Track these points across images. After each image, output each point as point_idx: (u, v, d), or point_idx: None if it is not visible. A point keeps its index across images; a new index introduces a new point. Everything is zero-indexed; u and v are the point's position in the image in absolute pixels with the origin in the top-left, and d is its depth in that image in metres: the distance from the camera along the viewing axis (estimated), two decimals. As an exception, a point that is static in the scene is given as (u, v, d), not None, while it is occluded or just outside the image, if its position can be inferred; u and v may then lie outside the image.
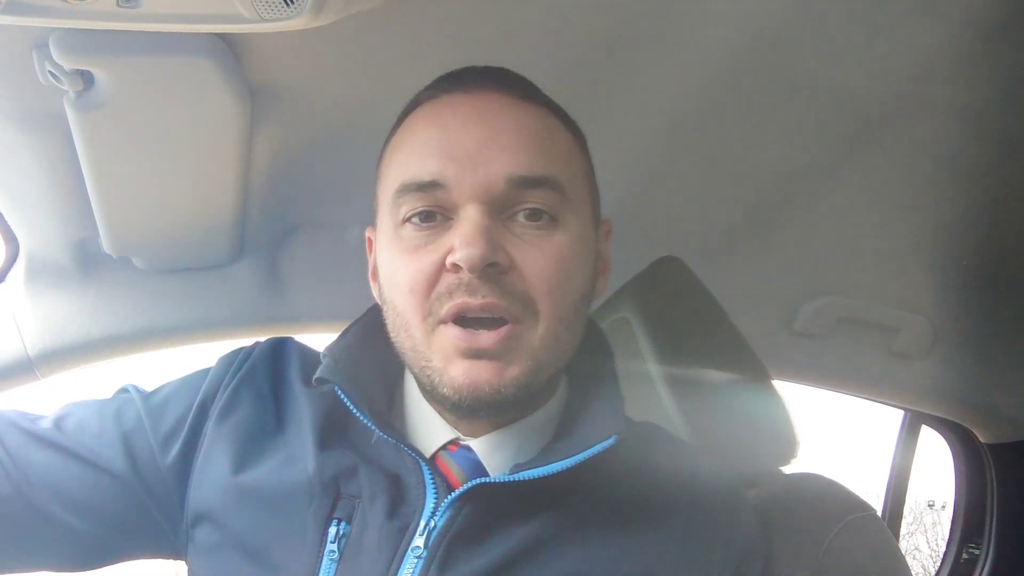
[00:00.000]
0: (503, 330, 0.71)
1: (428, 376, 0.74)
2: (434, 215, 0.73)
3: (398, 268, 0.74)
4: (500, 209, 0.73)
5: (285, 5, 0.75)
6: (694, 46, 0.95)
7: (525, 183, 0.73)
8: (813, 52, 0.96)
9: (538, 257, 0.73)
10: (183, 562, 0.85)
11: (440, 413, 0.79)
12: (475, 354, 0.72)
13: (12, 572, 0.85)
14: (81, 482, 0.82)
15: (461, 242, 0.70)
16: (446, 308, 0.72)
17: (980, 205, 1.23)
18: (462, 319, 0.72)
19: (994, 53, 0.94)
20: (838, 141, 1.11)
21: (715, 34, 0.93)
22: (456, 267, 0.71)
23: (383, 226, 0.77)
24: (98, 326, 1.19)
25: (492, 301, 0.71)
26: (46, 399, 1.06)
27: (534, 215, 0.73)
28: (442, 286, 0.72)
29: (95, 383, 1.12)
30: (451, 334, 0.72)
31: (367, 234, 0.85)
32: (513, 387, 0.72)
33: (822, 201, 1.23)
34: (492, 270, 0.71)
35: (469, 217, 0.71)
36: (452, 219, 0.73)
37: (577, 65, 0.97)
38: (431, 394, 0.76)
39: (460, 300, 0.71)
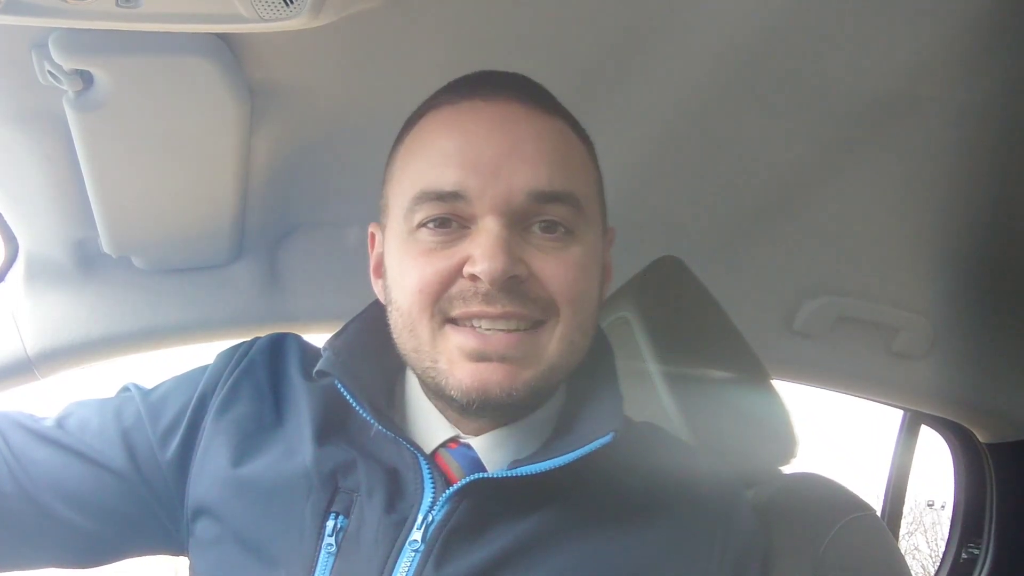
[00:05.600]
0: (519, 335, 0.72)
1: (433, 377, 0.74)
2: (450, 222, 0.73)
3: (409, 269, 0.74)
4: (518, 221, 0.73)
5: (284, 5, 0.75)
6: (694, 47, 0.95)
7: (545, 198, 0.73)
8: (812, 53, 0.96)
9: (557, 267, 0.73)
10: (184, 559, 0.85)
11: (442, 411, 0.79)
12: (483, 356, 0.72)
13: (16, 569, 0.85)
14: (83, 479, 0.82)
15: (482, 255, 0.70)
16: (459, 311, 0.72)
17: (980, 205, 1.23)
18: (472, 324, 0.72)
19: (993, 53, 0.94)
20: (838, 141, 1.11)
21: (715, 35, 0.93)
22: (475, 278, 0.71)
23: (395, 228, 0.77)
24: (98, 326, 1.19)
25: (511, 310, 0.71)
26: (46, 399, 1.06)
27: (550, 227, 0.74)
28: (455, 290, 0.72)
29: (95, 383, 1.12)
30: (459, 335, 0.72)
31: (370, 229, 0.85)
32: (525, 391, 0.73)
33: (822, 201, 1.23)
34: (511, 282, 0.71)
35: (489, 229, 0.71)
36: (469, 227, 0.73)
37: (577, 65, 0.97)
38: (436, 394, 0.76)
39: (476, 308, 0.71)
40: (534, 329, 0.73)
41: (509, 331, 0.72)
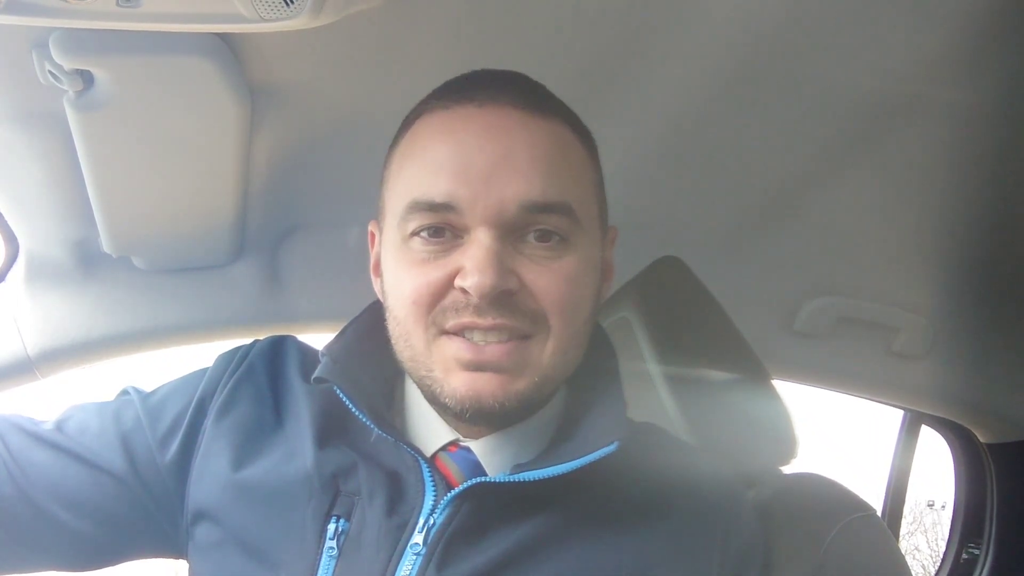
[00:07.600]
0: (511, 344, 0.72)
1: (429, 385, 0.74)
2: (443, 230, 0.73)
3: (403, 279, 0.74)
4: (511, 231, 0.72)
5: (285, 5, 0.75)
6: (695, 48, 0.95)
7: (537, 208, 0.72)
8: (813, 53, 0.96)
9: (549, 279, 0.73)
10: (184, 561, 0.85)
11: (440, 415, 0.79)
12: (478, 366, 0.72)
13: (15, 571, 0.85)
14: (82, 482, 0.82)
15: (472, 268, 0.70)
16: (452, 323, 0.72)
17: (980, 205, 1.23)
18: (465, 335, 0.72)
19: (993, 53, 0.94)
20: (838, 141, 1.11)
21: (716, 35, 0.93)
22: (465, 291, 0.71)
23: (389, 235, 0.77)
24: (98, 326, 1.19)
25: (501, 322, 0.71)
26: (46, 399, 1.06)
27: (545, 236, 0.73)
28: (448, 301, 0.72)
29: (95, 383, 1.12)
30: (453, 345, 0.72)
31: (370, 228, 0.84)
32: (517, 400, 0.73)
33: (822, 201, 1.23)
34: (502, 295, 0.71)
35: (480, 241, 0.71)
36: (462, 237, 0.73)
37: (577, 66, 0.97)
38: (432, 401, 0.77)
39: (468, 319, 0.71)
40: (525, 340, 0.72)
41: (502, 342, 0.72)
